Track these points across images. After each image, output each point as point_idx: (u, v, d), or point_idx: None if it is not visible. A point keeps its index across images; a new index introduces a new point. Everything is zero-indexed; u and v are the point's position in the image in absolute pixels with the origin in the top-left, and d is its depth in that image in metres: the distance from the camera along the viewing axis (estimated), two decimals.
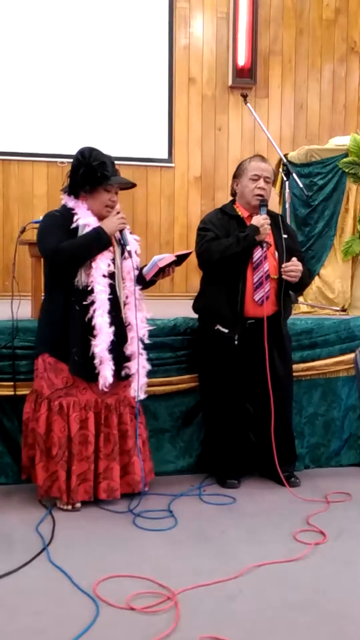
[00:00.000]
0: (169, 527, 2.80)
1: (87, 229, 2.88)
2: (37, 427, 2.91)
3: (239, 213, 3.32)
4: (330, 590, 2.26)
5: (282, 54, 6.59)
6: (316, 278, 4.29)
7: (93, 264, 2.87)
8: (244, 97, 4.41)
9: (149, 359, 3.33)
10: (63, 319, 2.87)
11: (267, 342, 3.12)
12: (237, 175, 3.38)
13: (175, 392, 3.46)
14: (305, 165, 4.38)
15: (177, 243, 6.36)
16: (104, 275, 2.88)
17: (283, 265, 3.20)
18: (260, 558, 2.47)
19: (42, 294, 3.20)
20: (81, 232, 2.88)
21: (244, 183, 3.30)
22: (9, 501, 3.02)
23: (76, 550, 2.54)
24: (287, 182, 4.22)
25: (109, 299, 2.89)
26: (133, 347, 3.00)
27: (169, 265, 3.06)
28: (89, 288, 2.86)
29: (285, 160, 4.24)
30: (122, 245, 2.98)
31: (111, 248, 2.95)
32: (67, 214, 2.92)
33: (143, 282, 3.10)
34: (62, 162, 5.98)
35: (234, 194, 3.42)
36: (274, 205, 4.62)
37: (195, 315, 3.45)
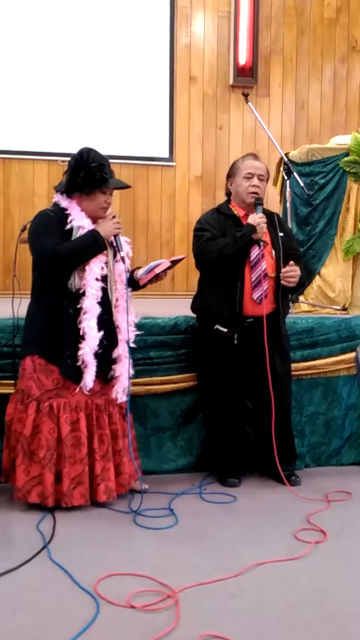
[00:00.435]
0: (170, 525, 2.80)
1: (82, 232, 2.87)
2: (22, 429, 2.86)
3: (235, 212, 3.32)
4: (330, 589, 2.26)
5: (283, 53, 6.59)
6: (317, 277, 4.29)
7: (87, 267, 2.86)
8: (245, 96, 4.41)
9: (149, 358, 3.34)
10: (55, 322, 2.85)
11: (262, 342, 3.12)
12: (230, 175, 3.39)
13: (176, 391, 3.46)
14: (306, 165, 4.38)
15: (178, 242, 6.36)
16: (97, 279, 2.88)
17: (282, 271, 3.19)
18: (260, 557, 2.47)
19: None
20: (75, 234, 2.87)
21: (238, 182, 3.31)
22: (10, 499, 3.02)
23: (77, 549, 2.54)
24: (288, 181, 4.22)
25: (102, 302, 2.88)
26: (119, 350, 3.00)
27: (164, 270, 3.08)
28: (82, 291, 2.85)
29: (286, 159, 4.24)
30: (116, 249, 2.97)
31: (104, 251, 2.94)
32: (60, 214, 2.91)
33: (134, 284, 3.10)
34: (62, 161, 5.96)
35: (228, 193, 3.42)
36: (275, 204, 4.63)
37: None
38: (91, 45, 6.08)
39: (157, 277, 3.10)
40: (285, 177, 4.24)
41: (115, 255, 3.00)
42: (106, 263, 2.94)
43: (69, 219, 2.88)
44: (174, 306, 4.04)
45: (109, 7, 6.11)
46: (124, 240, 3.02)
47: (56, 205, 2.96)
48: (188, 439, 3.52)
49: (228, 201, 3.41)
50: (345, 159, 4.20)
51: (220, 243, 3.17)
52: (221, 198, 6.41)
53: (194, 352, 3.43)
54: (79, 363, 2.84)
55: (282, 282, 3.19)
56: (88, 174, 2.86)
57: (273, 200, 4.80)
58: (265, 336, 3.11)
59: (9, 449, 2.97)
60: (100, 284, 2.89)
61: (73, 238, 2.87)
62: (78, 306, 2.84)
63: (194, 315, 3.48)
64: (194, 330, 3.45)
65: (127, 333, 3.00)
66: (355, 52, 6.73)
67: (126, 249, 3.03)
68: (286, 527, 2.79)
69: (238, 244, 3.13)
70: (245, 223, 3.21)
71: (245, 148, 6.46)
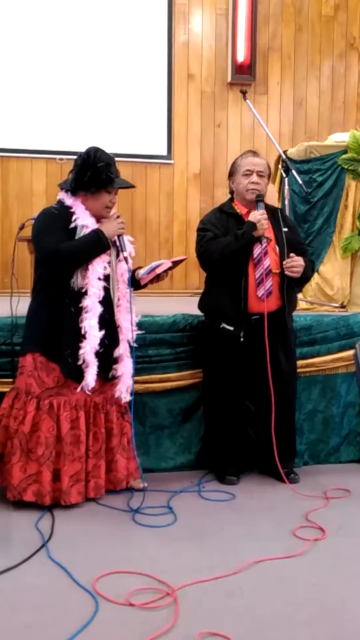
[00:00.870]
0: (169, 523, 2.80)
1: (86, 230, 2.87)
2: (20, 426, 2.85)
3: (238, 211, 3.32)
4: (329, 586, 2.27)
5: (282, 50, 6.58)
6: (315, 275, 4.28)
7: (90, 267, 2.86)
8: (243, 93, 4.40)
9: (148, 355, 3.33)
10: (57, 320, 2.85)
11: (269, 338, 3.13)
12: (231, 173, 3.39)
13: (174, 389, 3.46)
14: (304, 162, 4.38)
15: (177, 240, 6.35)
16: (99, 278, 2.88)
17: (284, 262, 3.20)
18: (259, 554, 2.47)
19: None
20: (79, 233, 2.87)
21: (238, 180, 3.31)
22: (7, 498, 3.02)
23: (75, 547, 2.54)
24: (286, 179, 4.22)
25: (103, 302, 2.88)
26: (121, 349, 3.00)
27: (165, 270, 3.08)
28: (84, 290, 2.85)
29: (284, 157, 4.23)
30: (119, 249, 2.97)
31: (108, 251, 2.94)
32: (65, 212, 2.90)
33: (136, 284, 3.10)
34: (61, 159, 5.97)
35: (231, 192, 3.42)
36: (273, 202, 4.62)
37: (195, 312, 3.47)
38: (89, 43, 6.06)
39: (158, 277, 3.10)
40: (284, 175, 4.23)
41: (118, 255, 3.00)
42: (109, 263, 2.94)
43: (73, 217, 2.88)
44: (173, 304, 4.04)
45: (106, 5, 6.09)
46: (127, 239, 3.03)
47: (60, 203, 2.96)
48: (187, 437, 3.52)
49: (231, 200, 3.40)
50: (344, 156, 4.20)
51: (222, 242, 3.17)
52: (220, 196, 6.48)
53: (199, 349, 3.43)
54: (80, 362, 2.84)
55: (286, 272, 3.18)
56: (95, 173, 2.86)
57: (271, 198, 4.77)
58: (266, 334, 3.12)
59: None
60: (102, 284, 2.89)
61: (77, 237, 2.87)
62: (80, 305, 2.84)
63: (193, 314, 3.50)
64: (197, 328, 3.45)
65: (129, 333, 3.00)
66: (354, 49, 6.72)
67: (129, 248, 3.03)
68: (285, 524, 2.79)
69: (239, 242, 3.14)
70: (247, 220, 3.21)
71: (243, 146, 6.45)
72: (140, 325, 3.20)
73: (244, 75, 6.34)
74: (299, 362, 3.56)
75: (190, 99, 6.37)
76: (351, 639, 1.95)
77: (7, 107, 5.93)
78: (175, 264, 3.11)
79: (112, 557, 2.45)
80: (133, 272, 3.08)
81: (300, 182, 4.15)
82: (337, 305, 4.21)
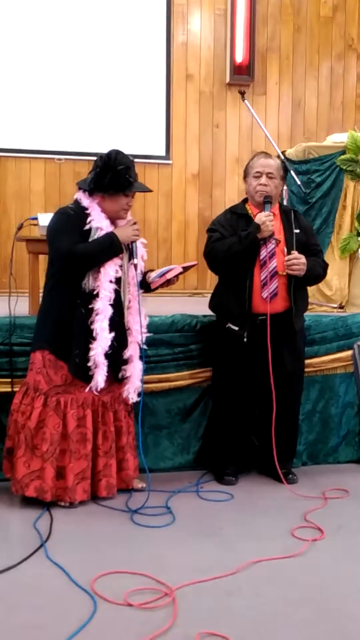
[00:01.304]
0: (167, 523, 2.80)
1: (100, 233, 2.89)
2: (26, 421, 2.89)
3: (249, 212, 3.31)
4: (328, 586, 2.27)
5: (280, 51, 6.58)
6: None
7: (101, 269, 2.88)
8: (242, 94, 4.40)
9: (147, 356, 3.33)
10: (67, 320, 2.87)
11: (274, 339, 3.14)
12: (245, 175, 3.37)
13: (173, 389, 3.46)
14: (302, 163, 4.38)
15: (175, 240, 6.36)
16: (111, 281, 2.90)
17: (285, 259, 3.18)
18: (258, 554, 2.47)
19: (41, 290, 3.17)
20: (93, 235, 2.89)
21: (249, 181, 3.30)
22: (7, 497, 3.01)
23: (74, 547, 2.54)
24: (284, 179, 4.21)
25: (114, 304, 2.90)
26: (131, 351, 3.02)
27: (176, 275, 3.09)
28: (95, 292, 2.87)
29: (283, 158, 4.23)
30: (131, 253, 2.99)
31: (120, 255, 2.95)
32: (80, 213, 2.92)
33: (146, 287, 3.12)
34: (59, 159, 5.97)
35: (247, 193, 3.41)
36: None
37: (193, 312, 3.50)
38: (88, 43, 6.06)
39: (169, 282, 3.12)
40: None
41: (130, 259, 3.02)
42: (121, 266, 2.96)
43: (89, 219, 2.90)
44: (171, 304, 4.04)
45: (105, 5, 6.09)
46: (140, 242, 3.04)
47: (77, 202, 2.97)
48: (185, 437, 3.52)
49: (245, 200, 3.39)
50: (342, 157, 4.21)
51: (227, 243, 3.18)
52: (218, 196, 6.49)
53: (208, 348, 3.45)
54: (90, 363, 2.86)
55: (287, 270, 3.18)
56: (114, 176, 2.87)
57: None
58: (268, 335, 3.12)
59: (8, 437, 3.01)
60: (113, 286, 2.91)
61: (91, 239, 2.89)
62: (90, 306, 2.87)
63: (191, 314, 3.52)
64: (210, 326, 3.46)
65: (139, 335, 3.03)
66: (352, 50, 6.73)
67: (141, 251, 3.05)
68: (283, 525, 2.79)
69: (243, 243, 3.14)
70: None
71: (242, 146, 6.47)
72: None
73: (243, 76, 6.35)
74: None
75: (189, 100, 6.37)
76: (350, 638, 1.95)
77: (5, 107, 5.93)
78: (186, 269, 3.13)
79: (111, 557, 2.44)
80: (144, 275, 3.10)
81: (299, 182, 4.15)
82: (336, 305, 4.21)
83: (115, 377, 2.99)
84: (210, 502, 3.08)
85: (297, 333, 3.31)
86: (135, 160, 2.99)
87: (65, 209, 2.98)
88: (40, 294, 3.69)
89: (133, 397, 3.05)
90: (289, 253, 3.21)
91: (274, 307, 3.17)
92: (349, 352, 3.64)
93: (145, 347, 3.08)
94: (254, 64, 6.39)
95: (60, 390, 2.90)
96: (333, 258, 4.28)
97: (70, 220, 2.91)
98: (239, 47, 6.30)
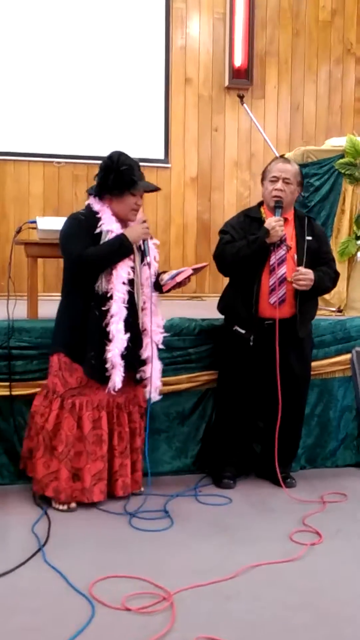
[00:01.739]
0: (165, 527, 2.80)
1: (110, 235, 2.91)
2: (45, 423, 2.94)
3: (263, 216, 3.28)
4: (326, 590, 2.26)
5: (279, 55, 6.60)
6: None
7: (114, 272, 2.90)
8: (241, 97, 4.42)
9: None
10: (82, 323, 2.90)
11: (280, 344, 3.14)
12: (262, 179, 3.34)
13: (171, 393, 3.45)
14: (301, 166, 4.36)
15: (174, 243, 6.36)
16: (124, 283, 2.91)
17: (292, 274, 3.16)
18: (256, 558, 2.47)
19: (42, 293, 3.18)
20: (104, 238, 2.91)
21: (265, 185, 3.26)
22: (5, 501, 3.02)
23: (72, 551, 2.53)
24: None
25: (127, 306, 2.92)
26: (148, 351, 3.05)
27: (187, 277, 3.10)
28: (109, 294, 2.89)
29: None
30: (143, 253, 3.01)
31: (132, 256, 2.97)
32: (91, 217, 2.94)
33: (159, 288, 3.13)
34: (58, 162, 5.97)
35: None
36: None
37: (191, 316, 3.51)
38: (87, 47, 6.07)
39: (180, 284, 3.13)
40: None
41: (142, 260, 3.03)
42: (133, 267, 2.97)
43: (100, 223, 2.92)
44: (170, 308, 4.04)
45: (104, 9, 6.10)
46: (152, 243, 3.06)
47: (89, 207, 3.00)
48: (183, 441, 3.52)
49: (261, 204, 3.38)
50: (341, 160, 4.21)
51: (237, 246, 3.18)
52: (217, 199, 6.50)
53: (216, 350, 3.46)
54: (107, 365, 2.89)
55: (294, 285, 3.16)
56: (117, 176, 2.91)
57: None
58: (277, 341, 3.12)
59: (28, 438, 3.06)
60: (126, 288, 2.92)
61: (102, 242, 2.91)
62: (104, 308, 2.89)
63: (190, 317, 3.52)
64: (218, 329, 3.46)
65: (155, 335, 3.07)
66: (350, 54, 6.75)
67: (153, 252, 3.06)
68: (281, 528, 2.79)
69: (251, 247, 3.13)
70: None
71: (240, 150, 6.48)
72: None
73: (241, 80, 6.36)
74: None
75: (188, 103, 6.39)
76: None
77: (4, 110, 5.94)
78: (196, 270, 3.13)
79: (109, 561, 2.44)
80: (157, 276, 3.12)
81: None
82: (334, 309, 4.21)
83: (131, 377, 3.01)
84: (209, 505, 3.07)
85: (303, 339, 3.30)
86: None
87: (76, 214, 3.02)
88: (39, 298, 3.72)
89: (155, 397, 3.08)
90: (299, 260, 3.20)
91: (281, 313, 3.16)
92: (348, 356, 3.65)
93: (162, 346, 3.12)
94: (253, 67, 6.41)
95: (75, 392, 2.94)
96: None
97: (81, 224, 2.94)
98: (238, 51, 6.32)
